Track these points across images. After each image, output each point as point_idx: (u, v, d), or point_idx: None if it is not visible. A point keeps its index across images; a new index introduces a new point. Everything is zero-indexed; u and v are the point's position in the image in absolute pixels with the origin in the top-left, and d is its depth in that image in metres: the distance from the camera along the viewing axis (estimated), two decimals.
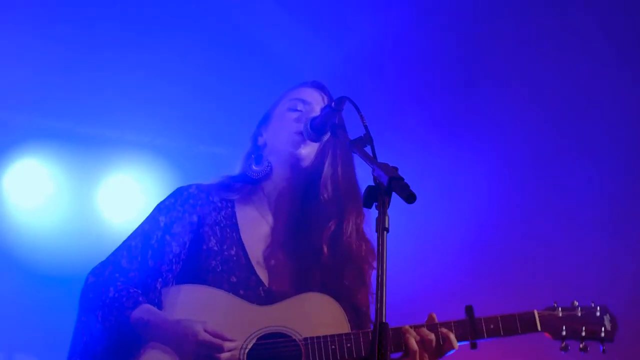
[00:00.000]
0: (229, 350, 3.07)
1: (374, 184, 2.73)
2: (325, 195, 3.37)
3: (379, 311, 2.56)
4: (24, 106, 5.98)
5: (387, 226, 2.63)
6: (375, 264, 3.26)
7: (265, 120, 3.52)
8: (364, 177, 3.40)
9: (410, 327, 3.21)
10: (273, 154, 3.42)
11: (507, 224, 5.94)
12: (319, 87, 3.52)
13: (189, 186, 3.42)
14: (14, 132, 6.08)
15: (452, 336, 3.20)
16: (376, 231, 2.65)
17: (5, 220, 6.08)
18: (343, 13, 5.89)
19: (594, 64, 5.81)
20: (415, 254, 5.77)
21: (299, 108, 3.42)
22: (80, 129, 6.16)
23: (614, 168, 5.83)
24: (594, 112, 5.86)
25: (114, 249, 3.33)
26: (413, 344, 3.16)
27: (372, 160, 2.84)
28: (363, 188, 3.31)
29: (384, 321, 2.55)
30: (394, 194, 2.67)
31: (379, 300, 2.56)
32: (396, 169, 2.73)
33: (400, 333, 3.19)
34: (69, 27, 5.75)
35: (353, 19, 5.93)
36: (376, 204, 2.68)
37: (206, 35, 5.91)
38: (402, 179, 2.67)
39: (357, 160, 3.41)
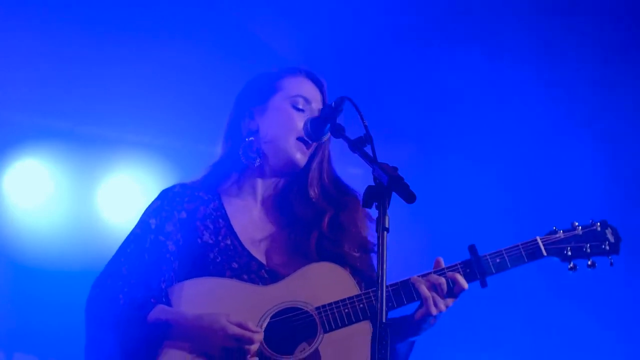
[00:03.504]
0: (258, 341, 3.05)
1: (374, 184, 2.73)
2: (313, 194, 3.38)
3: (379, 311, 2.56)
4: (24, 106, 5.98)
5: (387, 226, 2.64)
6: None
7: (260, 103, 3.46)
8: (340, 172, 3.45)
9: (419, 276, 3.22)
10: (270, 150, 3.38)
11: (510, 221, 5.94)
12: (318, 84, 3.47)
13: (173, 186, 3.44)
14: (14, 132, 6.08)
15: (459, 276, 3.20)
16: (376, 231, 2.65)
17: (5, 220, 6.08)
18: (342, 12, 5.89)
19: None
20: (420, 251, 5.77)
21: (301, 106, 3.39)
22: (80, 129, 6.16)
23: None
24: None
25: (113, 249, 3.31)
26: (425, 290, 3.17)
27: (372, 160, 2.83)
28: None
29: (384, 321, 2.56)
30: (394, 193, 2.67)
31: (379, 300, 2.57)
32: (396, 168, 2.74)
33: (408, 284, 3.20)
34: (69, 27, 5.75)
35: (352, 17, 5.93)
36: (376, 204, 2.68)
37: (206, 35, 5.90)
38: (402, 179, 2.68)
39: (333, 156, 3.44)
